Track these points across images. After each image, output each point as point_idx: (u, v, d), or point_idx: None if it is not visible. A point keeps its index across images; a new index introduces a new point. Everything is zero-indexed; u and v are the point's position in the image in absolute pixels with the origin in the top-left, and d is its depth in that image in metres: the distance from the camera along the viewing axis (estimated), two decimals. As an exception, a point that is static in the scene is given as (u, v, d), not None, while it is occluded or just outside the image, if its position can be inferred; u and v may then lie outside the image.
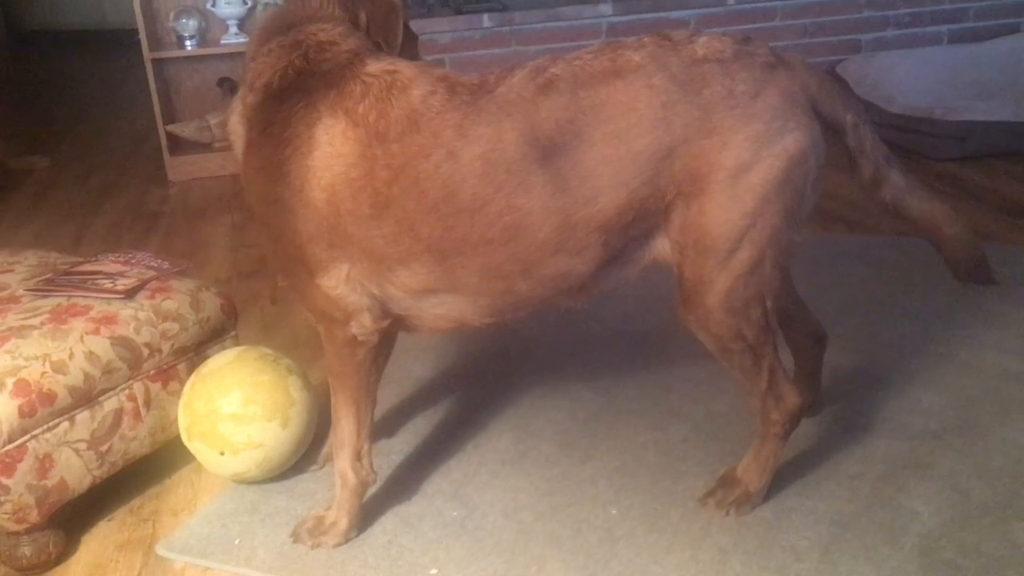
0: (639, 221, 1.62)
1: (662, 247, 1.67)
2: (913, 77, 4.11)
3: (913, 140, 3.74)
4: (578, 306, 1.76)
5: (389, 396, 2.21)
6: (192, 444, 1.92)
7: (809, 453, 1.95)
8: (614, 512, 1.83)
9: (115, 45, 6.79)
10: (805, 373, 2.01)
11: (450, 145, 1.56)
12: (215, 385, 1.89)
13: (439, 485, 1.93)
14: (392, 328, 1.74)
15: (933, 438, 1.99)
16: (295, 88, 1.63)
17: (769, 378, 1.72)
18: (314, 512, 1.82)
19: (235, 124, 1.73)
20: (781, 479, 1.85)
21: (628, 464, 1.97)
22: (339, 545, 1.77)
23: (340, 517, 1.78)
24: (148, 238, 3.49)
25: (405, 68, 1.65)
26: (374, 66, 1.64)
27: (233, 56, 4.25)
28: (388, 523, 1.83)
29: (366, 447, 1.79)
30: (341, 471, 1.78)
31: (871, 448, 1.97)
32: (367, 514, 1.84)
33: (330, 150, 1.59)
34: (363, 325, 1.68)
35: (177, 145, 4.18)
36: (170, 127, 4.12)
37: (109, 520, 1.92)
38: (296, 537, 1.79)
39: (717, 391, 2.17)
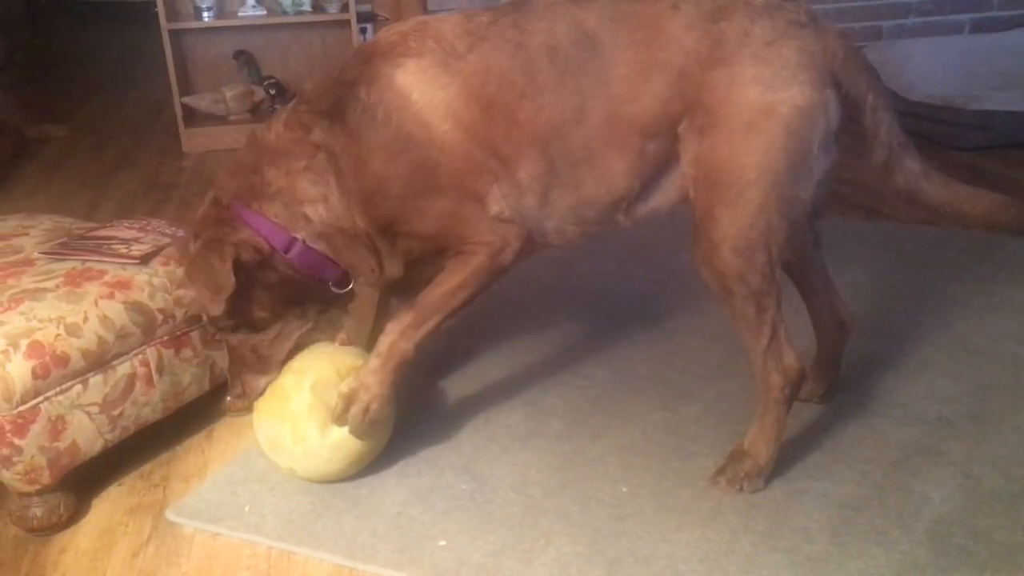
0: (668, 139, 1.72)
1: (683, 180, 1.75)
2: (934, 65, 4.07)
3: (933, 129, 3.71)
4: (628, 226, 1.85)
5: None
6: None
7: (821, 436, 1.95)
8: (624, 490, 1.82)
9: (132, 16, 6.79)
10: (824, 356, 2.01)
11: (515, 40, 1.72)
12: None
13: (449, 459, 1.93)
14: (523, 254, 1.81)
15: (946, 425, 1.98)
16: (349, 80, 1.73)
17: (771, 335, 1.73)
18: (341, 391, 1.77)
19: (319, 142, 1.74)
20: (792, 461, 1.85)
21: (638, 443, 1.97)
22: (379, 419, 1.78)
23: (383, 389, 1.76)
24: (162, 209, 3.49)
25: (424, 16, 1.83)
26: (396, 27, 1.79)
27: (250, 28, 4.24)
28: (398, 495, 1.83)
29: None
30: (403, 345, 1.76)
31: (883, 433, 1.95)
32: (376, 486, 1.84)
33: (421, 87, 1.70)
34: (513, 248, 1.77)
35: (192, 117, 4.17)
36: (186, 99, 4.12)
37: (120, 484, 1.93)
38: (336, 421, 1.77)
39: (729, 373, 2.16)
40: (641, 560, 1.64)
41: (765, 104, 1.64)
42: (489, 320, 1.88)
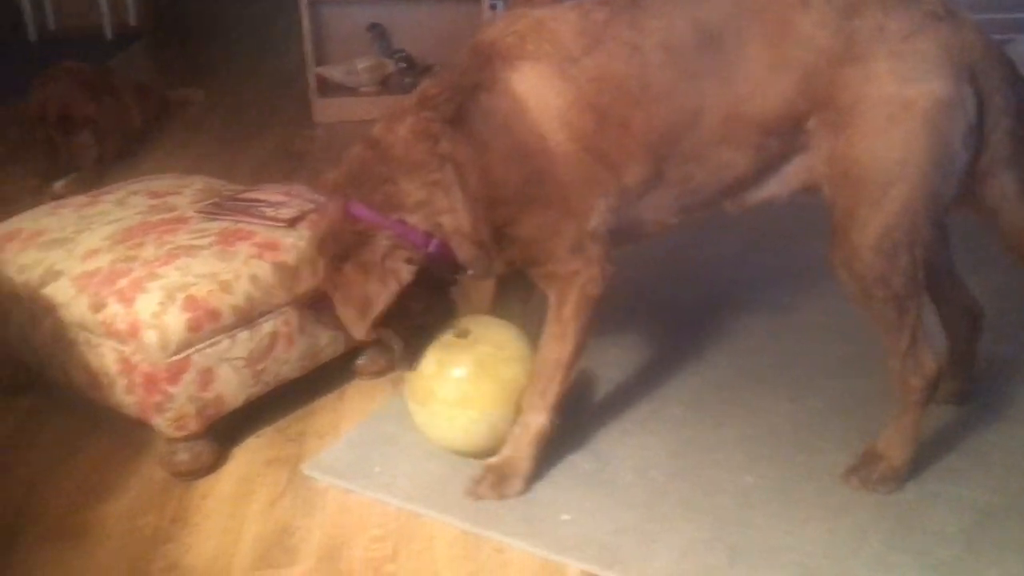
0: (791, 134, 1.70)
1: (810, 171, 1.72)
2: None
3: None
4: (737, 213, 1.84)
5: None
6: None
7: (956, 440, 1.89)
8: (748, 479, 1.82)
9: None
10: (959, 353, 1.96)
11: (631, 41, 1.68)
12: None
13: (573, 438, 1.94)
14: (609, 279, 1.79)
15: (1091, 438, 1.90)
16: (469, 85, 1.70)
17: (911, 337, 1.69)
18: (488, 464, 1.81)
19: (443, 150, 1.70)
20: (925, 463, 1.80)
21: (762, 433, 1.95)
22: (522, 493, 1.78)
23: (525, 462, 1.79)
24: (294, 176, 3.58)
25: (538, 12, 1.75)
26: (511, 23, 1.74)
27: (384, 1, 4.32)
28: (523, 468, 1.86)
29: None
30: (536, 420, 1.78)
31: (1022, 440, 1.89)
32: (502, 456, 1.88)
33: (538, 94, 1.67)
34: (598, 276, 1.75)
35: (325, 87, 4.28)
36: (319, 69, 4.22)
37: (258, 436, 2.02)
38: (477, 494, 1.77)
39: (858, 369, 2.11)
40: (765, 550, 1.64)
41: (904, 99, 1.60)
42: (609, 301, 1.89)
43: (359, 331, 1.70)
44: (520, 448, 1.80)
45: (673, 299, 2.52)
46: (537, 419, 1.79)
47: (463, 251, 1.75)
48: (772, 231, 2.76)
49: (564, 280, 1.76)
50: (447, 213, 1.70)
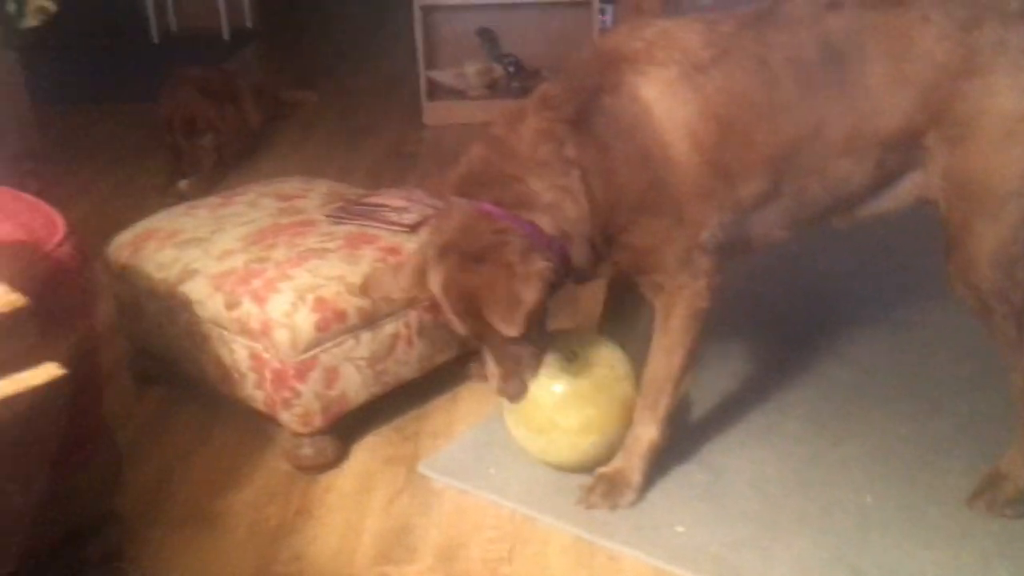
0: (908, 149, 1.69)
1: (925, 186, 1.72)
2: None
3: None
4: (844, 228, 1.84)
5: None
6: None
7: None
8: (868, 499, 1.79)
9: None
10: None
11: (759, 54, 1.68)
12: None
13: (687, 448, 1.94)
14: (717, 291, 1.78)
15: None
16: (591, 87, 1.68)
17: None
18: (600, 473, 1.82)
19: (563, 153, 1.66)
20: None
21: (884, 453, 1.91)
22: (633, 504, 1.79)
23: (636, 475, 1.80)
24: (405, 177, 3.67)
25: (665, 21, 1.76)
26: (637, 30, 1.73)
27: (495, 7, 4.36)
28: (636, 476, 1.87)
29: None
30: (647, 433, 1.79)
31: None
32: (616, 465, 1.89)
33: (664, 101, 1.65)
34: (711, 287, 1.74)
35: (434, 91, 4.35)
36: (430, 73, 4.30)
37: (376, 435, 2.08)
38: (589, 503, 1.79)
39: (984, 387, 2.05)
40: (886, 573, 1.62)
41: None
42: (727, 312, 1.88)
43: (512, 327, 1.57)
44: (632, 460, 1.81)
45: (790, 312, 2.48)
46: (648, 432, 1.80)
47: (579, 256, 1.72)
48: (890, 244, 2.70)
49: (671, 292, 1.75)
50: (573, 220, 1.66)
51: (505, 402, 1.82)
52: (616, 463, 1.82)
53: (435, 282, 1.66)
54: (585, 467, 1.86)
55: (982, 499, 1.73)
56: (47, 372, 0.79)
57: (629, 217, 1.71)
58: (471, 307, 1.62)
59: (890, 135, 1.68)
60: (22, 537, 0.80)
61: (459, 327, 1.69)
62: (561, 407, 1.78)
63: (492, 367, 1.74)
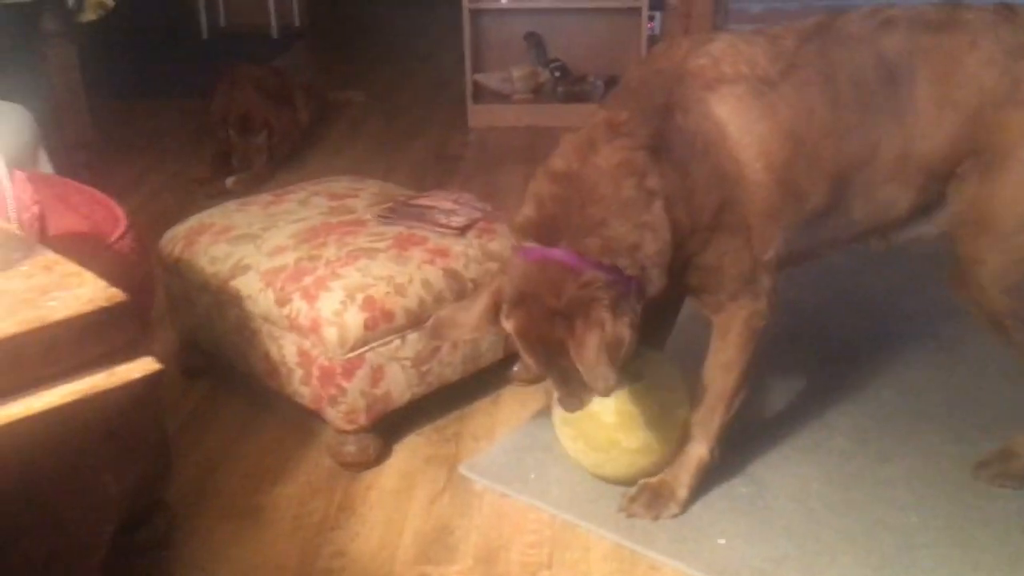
0: (947, 177, 1.71)
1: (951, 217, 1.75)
2: None
3: None
4: (880, 250, 1.86)
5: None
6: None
7: None
8: (914, 519, 1.77)
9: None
10: None
11: (824, 70, 1.67)
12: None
13: (730, 460, 1.92)
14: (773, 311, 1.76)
15: None
16: (661, 106, 1.62)
17: None
18: (645, 483, 1.82)
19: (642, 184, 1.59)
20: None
21: (930, 472, 1.89)
22: (677, 516, 1.79)
23: (682, 490, 1.79)
24: (449, 180, 3.70)
25: (727, 35, 1.73)
26: (699, 44, 1.70)
27: (542, 11, 4.38)
28: (678, 486, 1.87)
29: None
30: (698, 450, 1.79)
31: None
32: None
33: (738, 118, 1.63)
34: (771, 306, 1.73)
35: (479, 94, 4.38)
36: (476, 76, 4.32)
37: (417, 434, 2.09)
38: (631, 511, 1.79)
39: (1035, 412, 2.03)
40: (932, 595, 1.59)
41: None
42: (773, 326, 1.88)
43: (607, 386, 1.51)
44: (679, 475, 1.80)
45: (836, 328, 2.46)
46: (699, 449, 1.79)
47: (656, 285, 1.61)
48: (938, 260, 2.66)
49: (731, 310, 1.74)
50: (653, 255, 1.58)
51: (560, 415, 1.82)
52: (663, 475, 1.81)
53: (511, 326, 1.59)
54: (636, 481, 1.85)
55: (988, 470, 1.82)
56: (145, 366, 0.82)
57: (704, 237, 1.66)
58: (551, 352, 1.57)
59: (935, 161, 1.69)
60: (114, 525, 0.83)
61: (532, 366, 1.64)
62: (624, 427, 1.78)
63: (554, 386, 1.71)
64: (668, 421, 1.80)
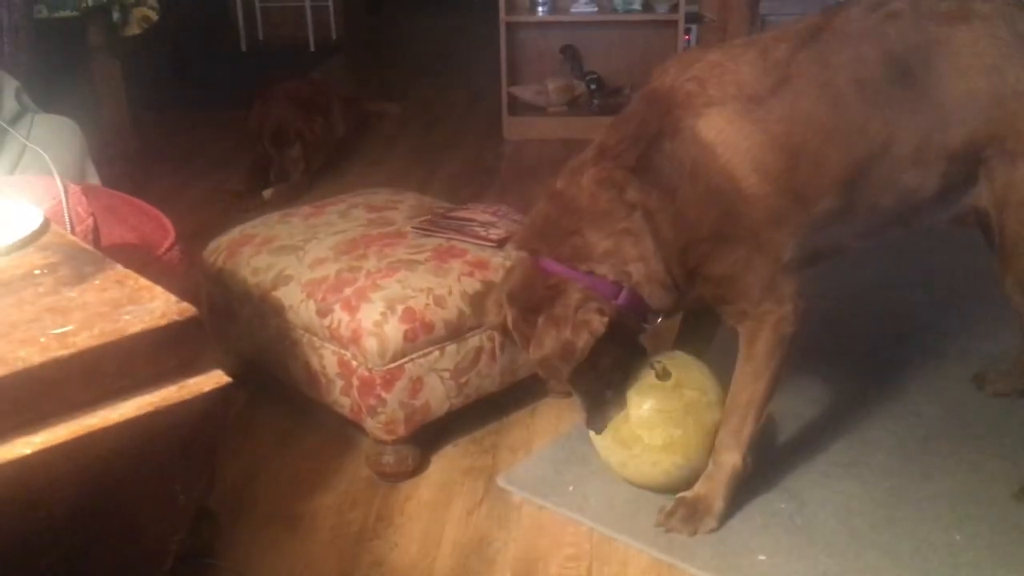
0: (968, 162, 1.75)
1: (978, 198, 1.79)
2: None
3: None
4: (903, 237, 1.89)
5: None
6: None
7: None
8: (957, 538, 1.75)
9: (459, 3, 7.24)
10: None
11: (821, 78, 1.68)
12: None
13: (769, 476, 1.92)
14: (802, 315, 1.76)
15: None
16: (650, 133, 1.68)
17: None
18: (682, 497, 1.81)
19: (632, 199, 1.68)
20: None
21: (974, 490, 1.87)
22: (714, 531, 1.78)
23: (719, 502, 1.78)
24: (485, 192, 3.71)
25: (715, 52, 1.74)
26: (685, 68, 1.72)
27: (578, 24, 4.40)
28: (717, 501, 1.86)
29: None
30: (730, 460, 1.78)
31: None
32: (697, 488, 1.87)
33: (726, 139, 1.64)
34: (797, 311, 1.73)
35: (514, 106, 4.40)
36: (512, 88, 4.34)
37: (455, 446, 2.10)
38: (669, 526, 1.78)
39: (1081, 432, 2.00)
40: (977, 615, 1.57)
41: None
42: (812, 342, 1.86)
43: (556, 378, 1.73)
44: (714, 487, 1.79)
45: (876, 344, 2.44)
46: (731, 458, 1.78)
47: (654, 297, 1.72)
48: (979, 275, 2.63)
49: (756, 318, 1.74)
50: (636, 261, 1.67)
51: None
52: (698, 488, 1.81)
53: (511, 324, 1.78)
54: (663, 488, 1.86)
55: None
56: (215, 379, 0.84)
57: (706, 249, 1.70)
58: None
59: (956, 148, 1.72)
60: (182, 534, 0.85)
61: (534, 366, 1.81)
62: (648, 423, 1.78)
63: (578, 400, 1.83)
64: (694, 422, 1.79)
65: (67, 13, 2.94)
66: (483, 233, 2.14)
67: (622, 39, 4.43)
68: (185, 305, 0.87)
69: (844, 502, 1.85)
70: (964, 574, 1.66)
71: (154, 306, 0.88)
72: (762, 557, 1.72)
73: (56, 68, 3.14)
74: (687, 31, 4.23)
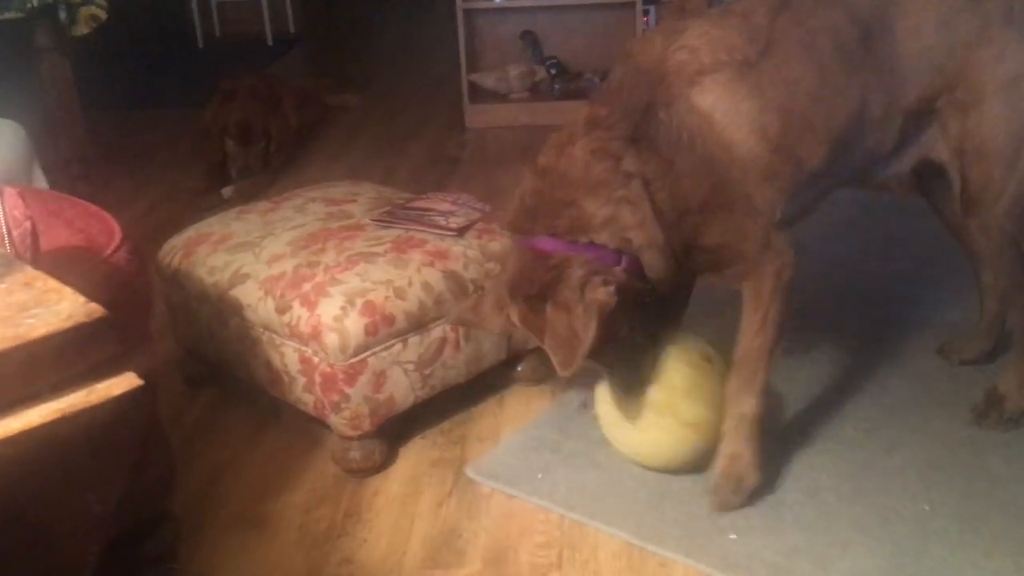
0: (922, 115, 1.82)
1: (930, 147, 1.87)
2: None
3: None
4: (856, 186, 2.04)
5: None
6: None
7: None
8: (925, 507, 1.75)
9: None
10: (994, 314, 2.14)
11: (802, 40, 1.72)
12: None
13: (738, 452, 1.92)
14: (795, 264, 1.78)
15: None
16: (643, 104, 1.65)
17: None
18: (720, 471, 1.77)
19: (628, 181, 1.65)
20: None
21: (941, 459, 1.88)
22: (760, 482, 1.77)
23: (750, 454, 1.76)
24: (448, 181, 3.68)
25: (699, 21, 1.75)
26: (674, 37, 1.71)
27: (537, 9, 4.37)
28: (687, 484, 1.85)
29: None
30: (747, 405, 1.75)
31: None
32: (669, 476, 1.87)
33: (724, 106, 1.65)
34: (789, 263, 1.74)
35: (475, 93, 4.36)
36: (472, 76, 4.31)
37: (423, 438, 2.08)
38: (722, 505, 1.76)
39: (1045, 395, 2.00)
40: (946, 583, 1.58)
41: None
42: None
43: (569, 369, 1.59)
44: (740, 440, 1.76)
45: (843, 317, 2.44)
46: (747, 404, 1.75)
47: (653, 265, 1.69)
48: (944, 247, 2.64)
49: (758, 271, 1.74)
50: (636, 228, 1.64)
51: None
52: (726, 450, 1.77)
53: (517, 320, 1.69)
54: (665, 465, 1.85)
55: (989, 418, 1.94)
56: (127, 382, 0.81)
57: (700, 220, 1.69)
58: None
59: (911, 104, 1.80)
60: (99, 546, 0.82)
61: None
62: (688, 395, 1.77)
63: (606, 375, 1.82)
64: (719, 414, 1.78)
65: (12, 15, 2.87)
66: (443, 222, 2.11)
67: (581, 23, 4.40)
68: (93, 306, 0.84)
69: (813, 477, 1.85)
70: (933, 542, 1.66)
71: (60, 308, 0.84)
72: (733, 536, 1.72)
73: (2, 71, 3.07)
74: (645, 13, 4.21)
